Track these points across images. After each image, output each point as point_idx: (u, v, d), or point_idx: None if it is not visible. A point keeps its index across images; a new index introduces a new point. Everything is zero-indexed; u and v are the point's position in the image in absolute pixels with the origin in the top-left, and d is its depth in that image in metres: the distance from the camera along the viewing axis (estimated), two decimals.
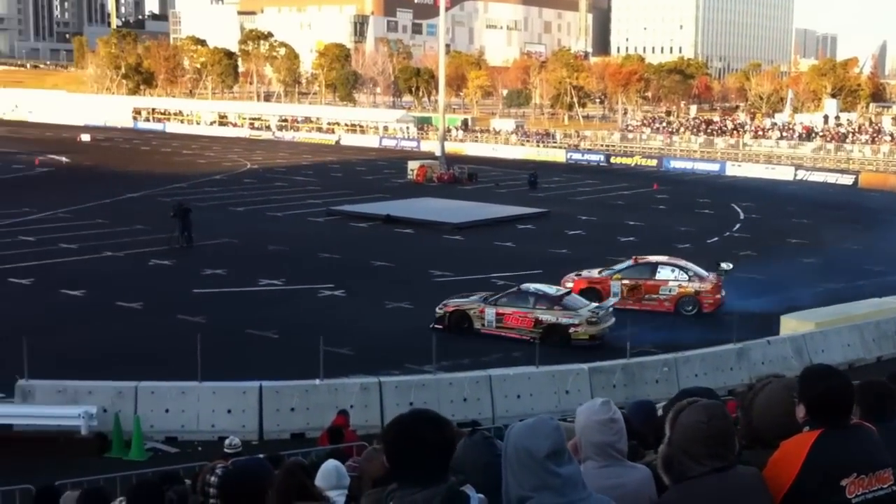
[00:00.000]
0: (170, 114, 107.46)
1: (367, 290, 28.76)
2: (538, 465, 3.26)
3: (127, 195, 48.15)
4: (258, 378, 18.28)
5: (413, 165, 61.19)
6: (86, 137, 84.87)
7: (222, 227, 38.87)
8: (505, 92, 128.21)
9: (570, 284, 26.82)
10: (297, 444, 16.11)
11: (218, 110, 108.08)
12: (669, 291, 26.97)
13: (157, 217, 37.86)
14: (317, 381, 17.92)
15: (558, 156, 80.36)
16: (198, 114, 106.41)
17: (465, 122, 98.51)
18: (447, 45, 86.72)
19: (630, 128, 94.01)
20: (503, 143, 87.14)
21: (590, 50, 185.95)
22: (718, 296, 27.03)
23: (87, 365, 20.02)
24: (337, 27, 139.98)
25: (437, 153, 63.83)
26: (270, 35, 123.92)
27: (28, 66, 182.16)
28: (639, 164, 75.01)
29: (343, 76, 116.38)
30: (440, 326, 23.98)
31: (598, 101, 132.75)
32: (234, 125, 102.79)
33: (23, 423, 17.22)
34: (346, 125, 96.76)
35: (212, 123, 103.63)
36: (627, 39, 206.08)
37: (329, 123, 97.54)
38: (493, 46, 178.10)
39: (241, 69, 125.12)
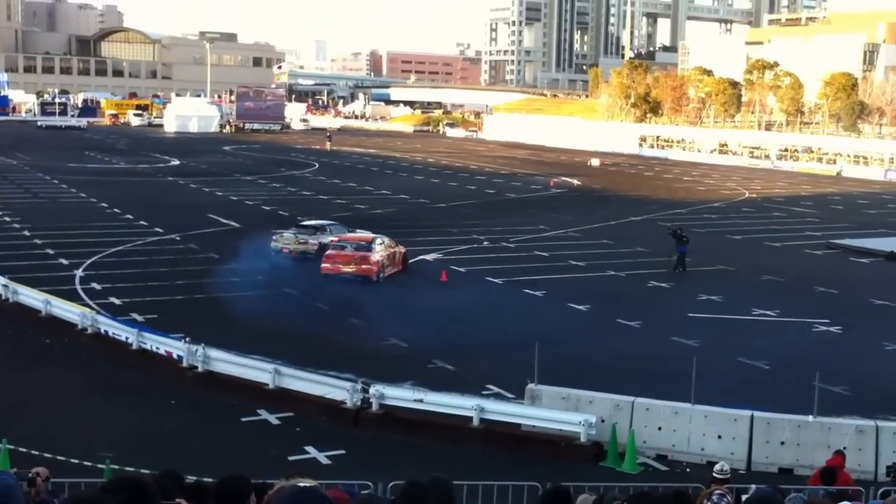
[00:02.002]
0: (672, 141, 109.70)
1: (866, 329, 27.53)
2: None
3: (630, 218, 50.29)
4: (746, 407, 18.28)
5: None
6: (595, 162, 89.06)
7: (719, 254, 39.21)
8: None
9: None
10: (785, 479, 15.89)
11: (719, 139, 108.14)
12: None
13: (658, 241, 39.19)
14: (810, 418, 17.60)
15: None
16: (699, 142, 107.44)
17: None
18: None
19: None
20: None
21: None
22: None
23: (587, 375, 20.97)
24: (845, 56, 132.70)
25: None
26: (776, 64, 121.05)
27: (548, 94, 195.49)
28: None
29: (848, 106, 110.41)
30: None
31: None
32: (734, 153, 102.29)
33: (529, 423, 18.49)
34: (849, 156, 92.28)
35: (712, 151, 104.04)
36: None
37: (830, 154, 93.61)
38: None
39: (744, 98, 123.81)
